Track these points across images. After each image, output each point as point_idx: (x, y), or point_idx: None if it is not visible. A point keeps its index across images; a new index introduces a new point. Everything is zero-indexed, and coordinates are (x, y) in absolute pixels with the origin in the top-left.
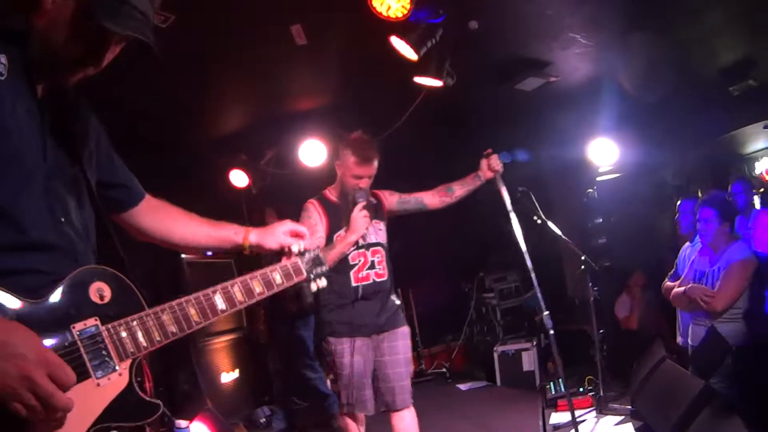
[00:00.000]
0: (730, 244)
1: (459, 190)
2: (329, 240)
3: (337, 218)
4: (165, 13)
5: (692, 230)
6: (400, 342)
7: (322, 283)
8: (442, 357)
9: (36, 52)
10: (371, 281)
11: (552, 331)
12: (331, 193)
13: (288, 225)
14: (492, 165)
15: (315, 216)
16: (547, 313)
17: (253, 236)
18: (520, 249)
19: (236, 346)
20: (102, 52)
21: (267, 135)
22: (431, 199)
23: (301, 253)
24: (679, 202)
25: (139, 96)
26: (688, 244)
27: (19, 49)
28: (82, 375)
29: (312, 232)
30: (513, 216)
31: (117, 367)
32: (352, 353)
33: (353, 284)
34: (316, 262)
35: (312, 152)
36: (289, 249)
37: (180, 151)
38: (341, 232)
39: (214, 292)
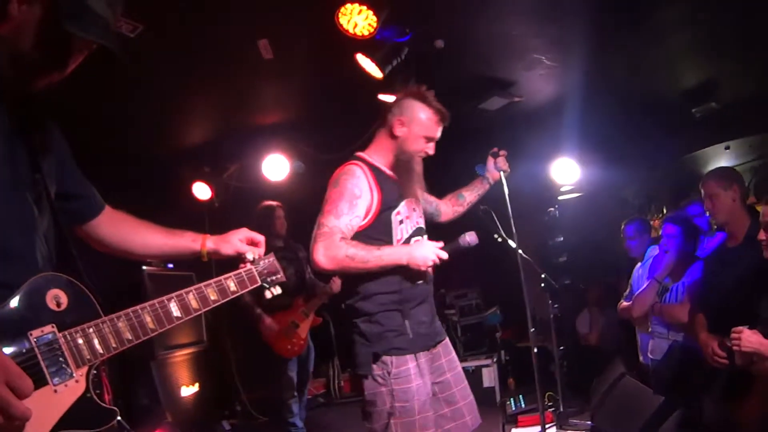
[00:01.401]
0: (692, 263)
1: (469, 196)
2: (381, 220)
3: (393, 194)
4: (133, 22)
5: (642, 251)
6: (453, 354)
7: (277, 291)
8: None
9: (1, 59)
10: (430, 277)
11: (535, 350)
12: (376, 160)
13: (244, 232)
14: (499, 164)
15: (363, 186)
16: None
17: (210, 243)
18: (516, 254)
19: (196, 359)
20: (67, 58)
21: (231, 148)
22: (446, 208)
23: (254, 261)
24: (623, 227)
25: (101, 107)
26: (639, 264)
27: None
28: (40, 382)
29: (351, 207)
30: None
31: (74, 374)
32: (418, 376)
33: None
34: (272, 269)
35: (275, 166)
36: (245, 256)
37: (143, 163)
38: (406, 227)
39: (170, 300)
